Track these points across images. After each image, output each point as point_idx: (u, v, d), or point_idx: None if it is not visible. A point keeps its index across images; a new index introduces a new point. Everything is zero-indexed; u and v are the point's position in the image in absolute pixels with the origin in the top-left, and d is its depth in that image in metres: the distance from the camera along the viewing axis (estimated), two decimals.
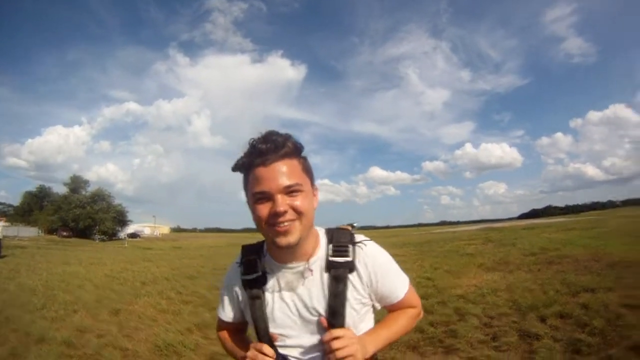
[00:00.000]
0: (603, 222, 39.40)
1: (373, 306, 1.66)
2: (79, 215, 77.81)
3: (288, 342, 1.55)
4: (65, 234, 71.17)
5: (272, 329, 1.55)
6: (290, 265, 1.55)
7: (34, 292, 11.74)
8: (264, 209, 1.41)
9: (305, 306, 1.52)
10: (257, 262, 1.60)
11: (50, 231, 74.99)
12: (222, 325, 1.88)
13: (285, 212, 1.38)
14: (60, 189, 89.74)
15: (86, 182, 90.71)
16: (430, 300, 8.66)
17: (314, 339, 1.52)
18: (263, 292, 1.58)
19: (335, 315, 1.49)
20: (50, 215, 79.37)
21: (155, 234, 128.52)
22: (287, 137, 1.47)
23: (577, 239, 20.27)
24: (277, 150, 1.42)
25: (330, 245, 1.57)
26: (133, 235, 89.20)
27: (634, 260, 11.22)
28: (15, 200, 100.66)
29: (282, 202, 1.38)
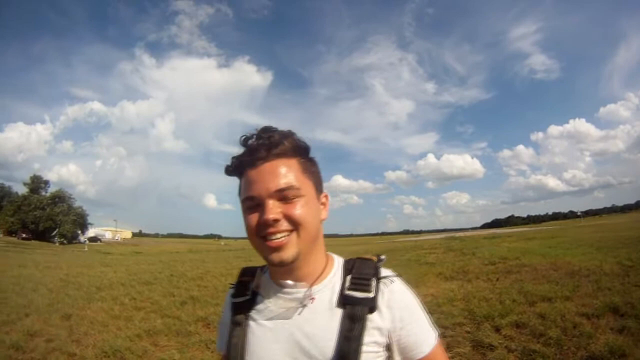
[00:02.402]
0: (563, 231, 40.48)
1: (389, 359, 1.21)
2: (39, 217, 76.41)
3: None
4: (24, 236, 69.94)
5: None
6: (288, 289, 1.22)
7: None
8: (254, 219, 1.14)
9: (299, 343, 1.15)
10: (250, 283, 1.31)
11: (9, 233, 73.57)
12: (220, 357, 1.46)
13: (276, 221, 1.10)
14: (21, 189, 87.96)
15: (47, 183, 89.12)
16: None
17: None
18: (247, 319, 1.25)
19: None
20: (9, 216, 77.71)
21: (116, 238, 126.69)
22: (286, 134, 1.19)
23: (537, 248, 20.71)
24: (271, 148, 1.15)
25: (349, 277, 1.22)
26: (94, 239, 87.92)
27: (592, 269, 11.38)
28: None
29: (273, 209, 1.11)
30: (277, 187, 1.11)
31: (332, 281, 1.23)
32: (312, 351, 1.13)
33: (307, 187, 1.18)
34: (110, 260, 31.08)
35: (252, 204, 1.14)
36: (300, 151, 1.21)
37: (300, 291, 1.20)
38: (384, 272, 1.24)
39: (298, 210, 1.12)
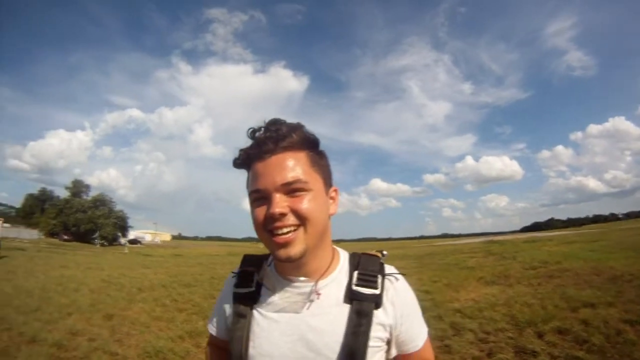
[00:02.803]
0: (605, 235, 39.24)
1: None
2: (81, 219, 77.92)
3: None
4: (66, 237, 71.27)
5: (254, 356, 1.23)
6: (295, 283, 1.25)
7: (30, 294, 11.68)
8: (261, 212, 1.16)
9: (306, 337, 1.19)
10: (255, 274, 1.32)
11: (51, 234, 75.17)
12: (210, 339, 1.56)
13: (282, 215, 1.11)
14: (62, 193, 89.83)
15: (88, 187, 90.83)
16: (427, 314, 8.35)
17: None
18: (252, 310, 1.28)
19: (353, 357, 1.15)
20: (51, 218, 79.42)
21: (156, 240, 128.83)
22: (295, 127, 1.20)
23: (579, 252, 20.14)
24: (278, 141, 1.17)
25: (356, 273, 1.26)
26: (134, 242, 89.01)
27: (635, 274, 11.09)
28: (16, 202, 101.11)
29: (280, 203, 1.12)
30: (284, 180, 1.13)
31: (339, 276, 1.28)
32: (318, 345, 1.17)
33: (315, 181, 1.20)
34: (151, 262, 31.27)
35: (258, 197, 1.17)
36: (308, 144, 1.23)
37: (307, 285, 1.24)
38: (388, 268, 1.31)
39: (305, 204, 1.14)
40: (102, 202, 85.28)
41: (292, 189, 1.14)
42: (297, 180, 1.14)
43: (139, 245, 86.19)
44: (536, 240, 40.57)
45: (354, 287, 1.23)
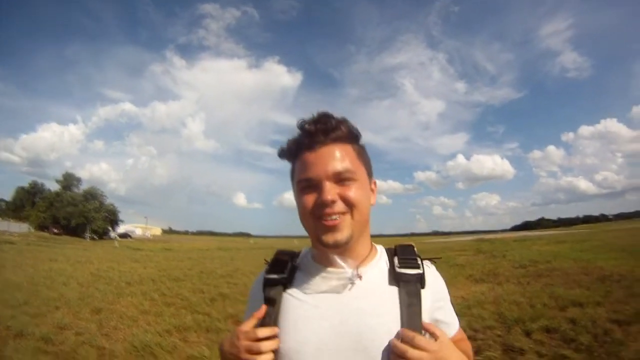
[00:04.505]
0: (595, 235, 39.61)
1: None
2: (71, 213, 77.28)
3: None
4: (56, 231, 70.61)
5: (288, 342, 1.16)
6: (334, 269, 1.23)
7: (18, 287, 11.65)
8: (310, 199, 1.18)
9: (348, 321, 1.15)
10: (288, 263, 1.32)
11: (41, 228, 74.53)
12: None
13: (333, 201, 1.14)
14: (53, 186, 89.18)
15: (79, 180, 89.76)
16: None
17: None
18: (284, 295, 1.25)
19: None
20: (42, 211, 78.76)
21: (146, 235, 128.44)
22: (342, 120, 1.24)
23: (568, 252, 20.36)
24: (328, 132, 1.20)
25: (396, 258, 1.28)
26: (124, 236, 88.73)
27: (624, 274, 11.21)
28: (6, 195, 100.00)
29: (331, 190, 1.15)
30: (335, 169, 1.16)
31: (379, 262, 1.28)
32: (363, 329, 1.13)
33: (361, 172, 1.24)
34: (140, 256, 31.31)
35: (308, 185, 1.19)
36: (354, 137, 1.27)
37: (347, 271, 1.21)
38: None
39: (353, 192, 1.17)
40: (93, 196, 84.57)
41: (341, 178, 1.17)
42: (347, 170, 1.18)
43: (129, 239, 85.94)
44: (526, 240, 41.07)
45: (398, 269, 1.24)
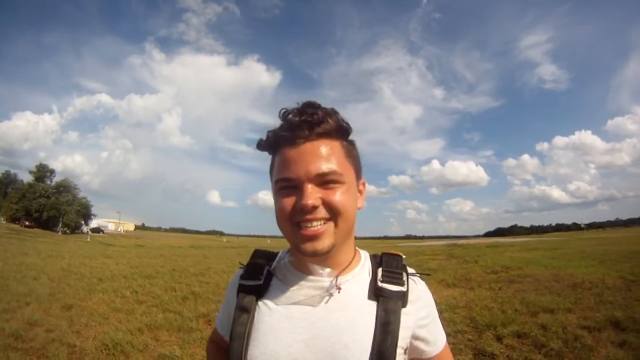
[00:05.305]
0: (566, 243, 40.19)
1: None
2: (44, 205, 76.24)
3: None
4: (27, 223, 69.46)
5: (255, 356, 1.07)
6: (313, 277, 1.13)
7: None
8: (288, 202, 1.04)
9: (322, 335, 1.06)
10: (264, 268, 1.20)
11: (13, 220, 73.51)
12: (213, 335, 1.43)
13: (314, 207, 1.01)
14: (25, 177, 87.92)
15: (52, 172, 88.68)
16: None
17: None
18: (257, 304, 1.15)
19: (382, 357, 1.03)
20: (13, 203, 77.64)
21: (119, 230, 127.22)
22: (330, 112, 1.08)
23: (540, 259, 20.59)
24: (313, 126, 1.04)
25: (380, 270, 1.16)
26: (96, 230, 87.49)
27: (595, 282, 11.35)
28: None
29: (312, 194, 1.01)
30: (319, 170, 1.03)
31: (361, 273, 1.18)
32: (336, 344, 1.04)
33: (349, 173, 1.10)
34: (112, 252, 30.93)
35: (287, 185, 1.06)
36: (343, 132, 1.12)
37: (326, 280, 1.12)
38: (410, 269, 1.21)
39: (338, 197, 1.04)
40: (66, 189, 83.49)
41: (325, 181, 1.04)
42: (333, 172, 1.04)
43: (101, 234, 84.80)
44: (498, 246, 41.55)
45: (380, 284, 1.13)
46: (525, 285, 12.00)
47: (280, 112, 1.10)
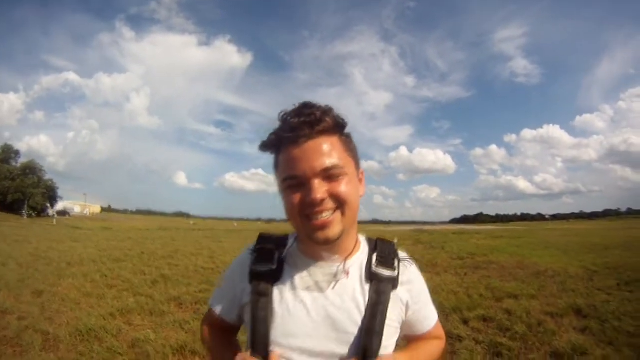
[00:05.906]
0: (531, 233, 41.04)
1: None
2: (8, 188, 74.35)
3: (297, 354, 1.17)
4: None
5: (276, 336, 1.18)
6: (322, 263, 1.24)
7: None
8: (297, 198, 1.12)
9: (332, 317, 1.18)
10: (275, 253, 1.28)
11: None
12: (211, 318, 1.47)
13: (322, 200, 1.09)
14: None
15: (17, 153, 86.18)
16: None
17: (338, 352, 1.17)
18: (273, 289, 1.23)
19: (370, 334, 1.16)
20: None
21: (85, 212, 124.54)
22: (326, 110, 1.16)
23: (505, 246, 21.06)
24: (313, 125, 1.12)
25: (375, 254, 1.28)
26: (62, 213, 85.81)
27: (557, 270, 11.70)
28: None
29: (319, 188, 1.09)
30: (323, 166, 1.11)
31: (360, 257, 1.28)
32: (343, 324, 1.17)
33: (349, 164, 1.19)
34: (80, 236, 30.35)
35: (294, 182, 1.13)
36: (340, 128, 1.21)
37: (334, 265, 1.23)
38: (401, 253, 1.34)
39: (343, 188, 1.12)
40: (32, 170, 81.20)
41: (330, 174, 1.12)
42: (335, 166, 1.12)
43: (67, 217, 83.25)
44: (464, 233, 42.25)
45: (374, 269, 1.25)
46: (491, 271, 12.34)
47: (279, 115, 1.17)
